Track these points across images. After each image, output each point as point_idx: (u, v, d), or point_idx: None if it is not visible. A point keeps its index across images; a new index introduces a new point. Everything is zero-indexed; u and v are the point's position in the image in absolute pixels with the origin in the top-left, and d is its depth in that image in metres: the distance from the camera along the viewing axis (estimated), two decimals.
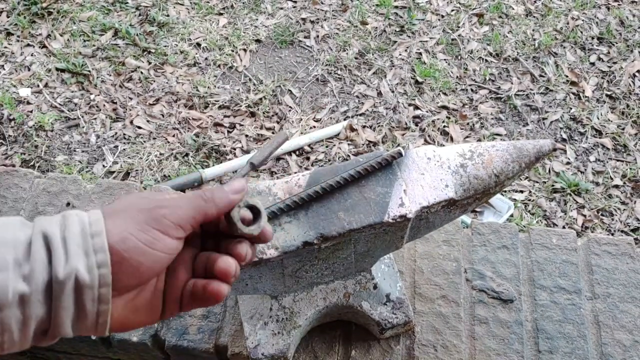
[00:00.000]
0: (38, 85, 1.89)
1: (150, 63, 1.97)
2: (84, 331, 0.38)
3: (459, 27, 2.15)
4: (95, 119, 1.82)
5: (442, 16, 2.19)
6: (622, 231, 1.58)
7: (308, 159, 1.75)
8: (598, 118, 1.87)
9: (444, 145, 1.67)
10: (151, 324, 0.43)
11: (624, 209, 1.64)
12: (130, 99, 1.88)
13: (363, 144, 1.78)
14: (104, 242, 0.37)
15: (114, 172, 1.68)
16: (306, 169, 1.72)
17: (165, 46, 2.02)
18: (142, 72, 1.94)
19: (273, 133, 1.81)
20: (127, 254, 0.37)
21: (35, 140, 1.74)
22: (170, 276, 0.42)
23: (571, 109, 1.90)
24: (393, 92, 1.93)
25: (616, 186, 1.70)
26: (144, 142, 1.76)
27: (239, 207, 0.42)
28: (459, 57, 2.05)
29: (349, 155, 1.73)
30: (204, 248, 0.44)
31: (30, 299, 0.35)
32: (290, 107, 1.88)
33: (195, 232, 0.42)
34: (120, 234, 0.38)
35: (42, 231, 0.37)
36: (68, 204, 1.06)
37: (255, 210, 0.44)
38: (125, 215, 0.39)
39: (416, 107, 1.89)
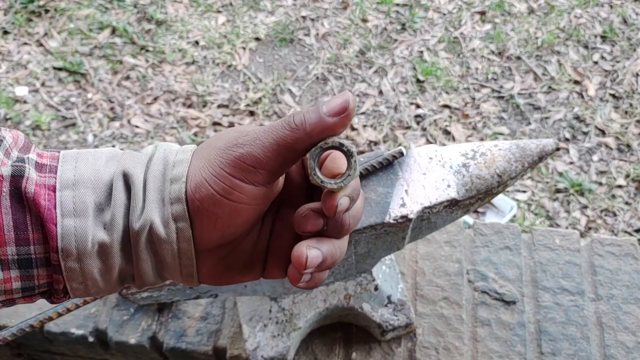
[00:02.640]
0: (35, 84, 1.88)
1: (148, 61, 1.96)
2: (171, 279, 0.33)
3: (460, 25, 2.13)
4: (92, 118, 1.81)
5: (444, 14, 2.18)
6: (625, 231, 1.57)
7: None
8: (601, 117, 1.86)
9: (445, 145, 1.65)
10: (249, 281, 0.36)
11: (628, 209, 1.62)
12: (128, 97, 1.86)
13: (364, 144, 1.77)
14: (181, 190, 0.31)
15: None
16: None
17: (163, 44, 2.01)
18: (139, 71, 1.93)
19: None
20: (201, 205, 0.30)
21: (32, 140, 1.73)
22: (274, 237, 0.34)
23: (574, 108, 1.89)
24: (394, 90, 1.92)
25: (619, 186, 1.68)
26: (142, 141, 1.75)
27: (320, 148, 0.30)
28: (461, 56, 2.04)
29: None
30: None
31: (112, 249, 0.31)
32: (290, 106, 1.87)
33: (293, 172, 0.33)
34: (196, 179, 0.31)
35: (123, 170, 0.31)
36: None
37: (346, 153, 0.30)
38: (206, 155, 0.31)
39: (418, 106, 1.88)
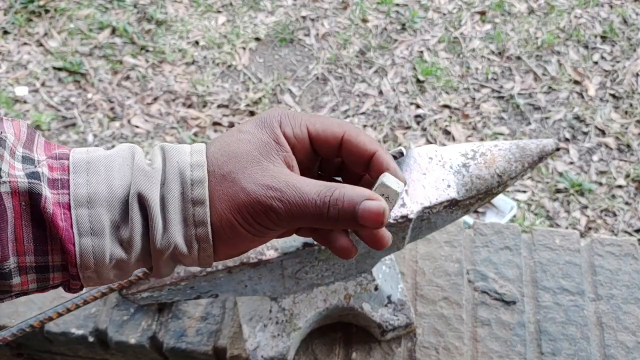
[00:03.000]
0: (35, 84, 1.88)
1: (148, 61, 1.96)
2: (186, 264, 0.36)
3: (460, 25, 2.13)
4: (92, 118, 1.81)
5: (444, 14, 2.18)
6: (625, 231, 1.57)
7: None
8: (601, 117, 1.86)
9: (446, 145, 1.65)
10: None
11: (628, 209, 1.62)
12: (128, 97, 1.86)
13: None
14: (206, 214, 0.32)
15: None
16: None
17: (163, 44, 2.01)
18: (139, 71, 1.93)
19: None
20: (224, 232, 0.32)
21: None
22: None
23: (574, 108, 1.89)
24: (394, 90, 1.92)
25: (619, 186, 1.68)
26: (142, 141, 1.75)
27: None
28: (461, 56, 2.04)
29: None
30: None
31: (129, 263, 0.32)
32: (290, 106, 1.87)
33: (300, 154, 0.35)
34: (221, 213, 0.32)
35: (138, 192, 0.31)
36: None
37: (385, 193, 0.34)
38: (229, 187, 0.32)
39: (418, 106, 1.88)
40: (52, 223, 0.30)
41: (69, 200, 0.31)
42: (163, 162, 0.33)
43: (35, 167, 0.30)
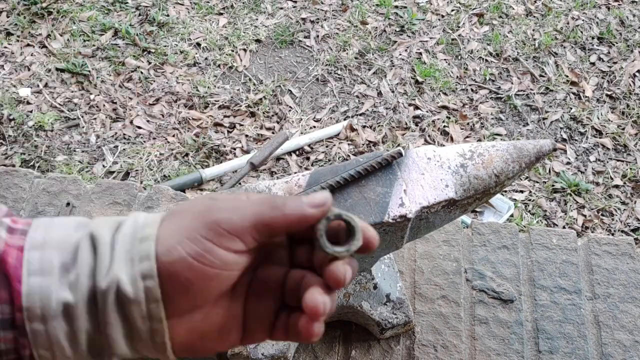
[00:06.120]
0: (38, 85, 1.89)
1: (150, 63, 1.97)
2: (144, 351, 0.32)
3: (459, 27, 2.15)
4: (95, 119, 1.82)
5: (442, 16, 2.19)
6: (622, 231, 1.58)
7: (308, 159, 1.75)
8: (598, 118, 1.87)
9: (444, 145, 1.67)
10: (227, 350, 0.36)
11: (624, 209, 1.64)
12: (130, 98, 1.88)
13: (363, 144, 1.78)
14: (150, 248, 0.30)
15: (113, 172, 1.68)
16: (306, 169, 1.72)
17: (165, 46, 2.02)
18: (142, 72, 1.94)
19: (273, 133, 1.81)
20: (172, 268, 0.30)
21: (35, 140, 1.74)
22: (251, 300, 0.34)
23: (571, 108, 1.90)
24: (393, 92, 1.93)
25: (616, 186, 1.70)
26: (144, 142, 1.76)
27: (327, 219, 0.32)
28: (459, 57, 2.05)
29: (349, 155, 1.73)
30: (297, 261, 0.34)
31: (76, 310, 0.30)
32: (290, 107, 1.89)
33: (268, 243, 0.33)
34: (167, 243, 0.30)
35: (90, 232, 0.31)
36: (68, 204, 1.05)
37: (349, 225, 0.33)
38: (179, 219, 0.32)
39: (416, 107, 1.89)
40: (2, 260, 0.30)
41: (24, 243, 0.31)
42: (123, 217, 0.33)
43: None
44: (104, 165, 1.69)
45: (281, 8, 2.19)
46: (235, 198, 0.32)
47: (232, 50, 2.03)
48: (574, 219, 1.61)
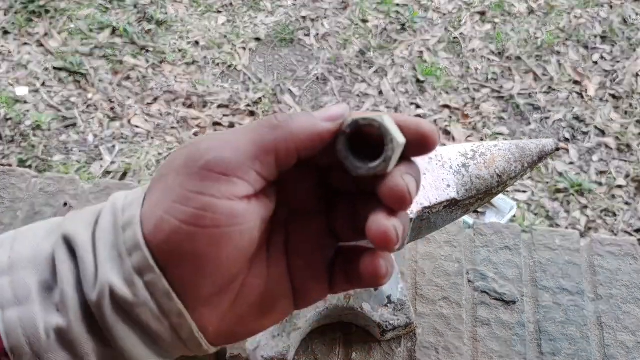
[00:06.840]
0: (35, 84, 1.88)
1: (148, 62, 1.96)
2: (176, 352, 0.26)
3: (460, 25, 2.14)
4: (92, 118, 1.81)
5: (444, 14, 2.18)
6: (625, 231, 1.57)
7: None
8: (601, 117, 1.86)
9: (445, 145, 1.65)
10: (278, 323, 0.29)
11: (627, 209, 1.63)
12: (128, 97, 1.87)
13: None
14: (136, 234, 0.23)
15: (111, 172, 1.68)
16: None
17: (163, 44, 2.01)
18: (140, 71, 1.93)
19: None
20: (168, 247, 0.23)
21: (32, 140, 1.73)
22: (296, 255, 0.26)
23: (574, 108, 1.89)
24: (394, 91, 1.92)
25: (619, 186, 1.69)
26: (142, 141, 1.75)
27: (343, 134, 0.24)
28: (461, 56, 2.04)
29: None
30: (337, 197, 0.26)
31: (73, 334, 0.24)
32: (290, 106, 1.87)
33: (286, 177, 0.25)
34: (153, 216, 0.23)
35: (63, 234, 0.25)
36: (65, 204, 1.04)
37: (377, 132, 0.23)
38: (162, 183, 0.24)
39: (418, 106, 1.88)
40: None
41: None
42: (102, 205, 0.26)
43: None
44: (101, 165, 1.68)
45: (281, 6, 2.18)
46: (225, 131, 0.25)
47: (231, 49, 2.02)
48: (576, 219, 1.60)
